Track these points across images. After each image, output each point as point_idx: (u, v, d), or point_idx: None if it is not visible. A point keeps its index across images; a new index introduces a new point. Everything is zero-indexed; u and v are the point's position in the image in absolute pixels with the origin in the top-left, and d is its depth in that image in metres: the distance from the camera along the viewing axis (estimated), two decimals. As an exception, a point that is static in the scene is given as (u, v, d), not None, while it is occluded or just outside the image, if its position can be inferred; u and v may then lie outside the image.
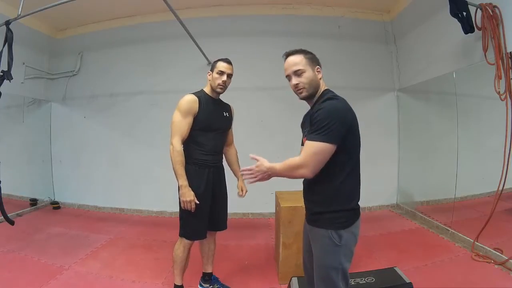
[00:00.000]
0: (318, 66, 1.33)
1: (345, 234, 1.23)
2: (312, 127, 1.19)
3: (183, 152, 1.91)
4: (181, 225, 2.00)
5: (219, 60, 2.04)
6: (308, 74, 1.29)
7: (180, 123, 1.93)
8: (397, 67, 4.23)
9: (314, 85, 1.31)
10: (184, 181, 1.85)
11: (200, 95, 2.04)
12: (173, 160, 1.89)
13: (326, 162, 1.17)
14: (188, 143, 1.97)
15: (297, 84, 1.30)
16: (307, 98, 1.34)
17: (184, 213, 1.93)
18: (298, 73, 1.29)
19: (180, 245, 1.99)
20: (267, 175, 1.21)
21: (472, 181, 3.27)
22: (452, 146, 3.13)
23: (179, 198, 1.92)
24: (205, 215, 1.97)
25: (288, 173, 1.19)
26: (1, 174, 2.34)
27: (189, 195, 1.85)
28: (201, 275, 2.26)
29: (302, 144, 1.33)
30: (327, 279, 1.26)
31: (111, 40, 4.43)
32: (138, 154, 4.32)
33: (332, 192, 1.25)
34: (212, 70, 2.05)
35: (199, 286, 2.26)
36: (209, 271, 2.25)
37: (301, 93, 1.32)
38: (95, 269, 2.51)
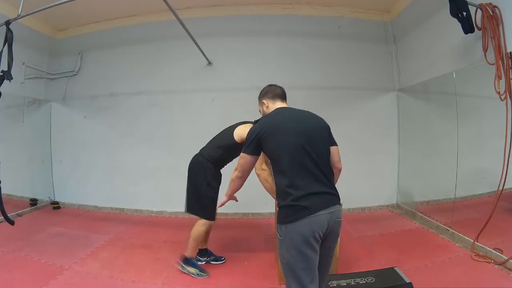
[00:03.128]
0: (263, 100, 1.70)
1: (284, 228, 1.37)
2: None
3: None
4: (206, 211, 2.42)
5: None
6: (261, 110, 1.74)
7: None
8: (397, 67, 4.23)
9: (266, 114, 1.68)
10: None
11: None
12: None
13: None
14: (226, 155, 2.45)
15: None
16: None
17: (209, 201, 2.41)
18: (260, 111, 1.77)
19: (204, 226, 2.41)
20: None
21: (472, 181, 3.26)
22: (452, 146, 3.12)
23: (203, 192, 2.40)
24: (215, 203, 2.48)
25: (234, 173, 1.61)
26: (1, 174, 2.34)
27: None
28: (197, 251, 2.62)
29: None
30: (282, 268, 1.43)
31: (111, 40, 4.43)
32: (138, 154, 4.32)
33: (276, 191, 1.48)
34: None
35: (196, 261, 2.56)
36: (205, 247, 2.66)
37: None
38: (95, 269, 2.51)
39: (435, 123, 3.73)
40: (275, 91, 1.68)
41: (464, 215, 3.13)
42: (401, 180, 4.25)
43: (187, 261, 2.43)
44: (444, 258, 2.58)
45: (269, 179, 2.19)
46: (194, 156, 2.51)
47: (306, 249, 1.33)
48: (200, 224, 2.42)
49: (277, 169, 1.45)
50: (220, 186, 2.59)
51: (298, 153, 1.39)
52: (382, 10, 4.27)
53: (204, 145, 2.56)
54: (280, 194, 1.42)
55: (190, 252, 2.44)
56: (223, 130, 2.52)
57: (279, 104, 1.64)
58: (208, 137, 2.57)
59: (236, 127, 2.41)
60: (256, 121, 2.47)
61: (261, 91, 1.74)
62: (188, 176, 2.48)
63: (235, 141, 2.35)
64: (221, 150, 2.42)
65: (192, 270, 2.40)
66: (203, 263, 2.62)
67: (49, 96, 4.61)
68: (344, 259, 2.49)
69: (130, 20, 4.35)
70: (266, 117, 1.59)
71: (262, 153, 2.25)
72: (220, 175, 2.56)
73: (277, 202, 1.47)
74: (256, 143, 1.48)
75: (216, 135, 2.54)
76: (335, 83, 4.17)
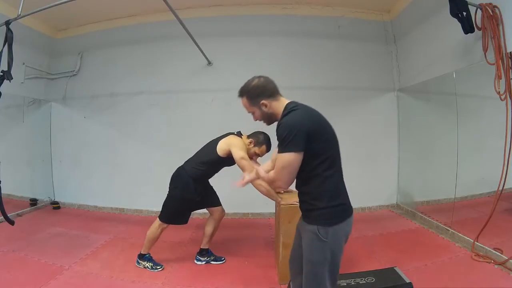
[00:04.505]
0: (262, 101, 1.35)
1: (331, 230, 1.29)
2: (278, 142, 1.29)
3: None
4: (164, 212, 2.51)
5: (266, 144, 2.46)
6: (257, 113, 1.40)
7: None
8: (397, 67, 4.23)
9: (268, 116, 1.39)
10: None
11: None
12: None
13: (305, 167, 1.25)
14: (209, 170, 2.50)
15: (256, 120, 1.44)
16: (273, 124, 1.43)
17: (173, 206, 2.48)
18: (251, 113, 1.43)
19: (159, 228, 2.49)
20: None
21: (472, 181, 3.26)
22: (452, 146, 3.12)
23: (173, 192, 2.50)
24: (186, 212, 2.55)
25: (269, 185, 1.50)
26: (1, 174, 2.34)
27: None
28: (198, 250, 2.68)
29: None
30: (312, 274, 1.33)
31: (111, 40, 4.43)
32: (138, 154, 4.33)
33: (315, 192, 1.31)
34: (256, 143, 2.45)
35: (196, 261, 2.65)
36: (207, 247, 2.67)
37: (265, 124, 1.45)
38: (95, 269, 2.51)
39: (435, 123, 3.73)
40: (269, 87, 1.37)
41: (464, 215, 3.13)
42: (401, 180, 4.25)
43: (142, 257, 2.56)
44: (444, 258, 2.58)
45: (263, 183, 2.13)
46: (177, 169, 2.54)
47: (343, 248, 1.36)
48: (155, 227, 2.50)
49: (323, 169, 1.28)
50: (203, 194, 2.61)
51: (338, 151, 1.37)
52: (382, 10, 4.27)
53: (203, 146, 2.56)
54: (329, 195, 1.29)
55: (144, 249, 2.56)
56: (206, 144, 2.53)
57: (284, 99, 1.38)
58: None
59: (219, 140, 2.43)
60: (239, 132, 2.50)
61: (250, 91, 1.37)
62: (169, 186, 2.53)
63: (219, 155, 2.38)
64: (203, 166, 2.44)
65: (147, 264, 2.53)
66: (203, 263, 2.62)
67: (49, 96, 4.61)
68: (344, 259, 2.46)
69: (130, 20, 4.35)
70: (302, 111, 1.30)
71: (250, 158, 2.25)
72: (204, 187, 2.57)
73: (320, 203, 1.30)
74: (306, 137, 1.22)
75: (200, 149, 2.55)
76: (335, 83, 4.17)
